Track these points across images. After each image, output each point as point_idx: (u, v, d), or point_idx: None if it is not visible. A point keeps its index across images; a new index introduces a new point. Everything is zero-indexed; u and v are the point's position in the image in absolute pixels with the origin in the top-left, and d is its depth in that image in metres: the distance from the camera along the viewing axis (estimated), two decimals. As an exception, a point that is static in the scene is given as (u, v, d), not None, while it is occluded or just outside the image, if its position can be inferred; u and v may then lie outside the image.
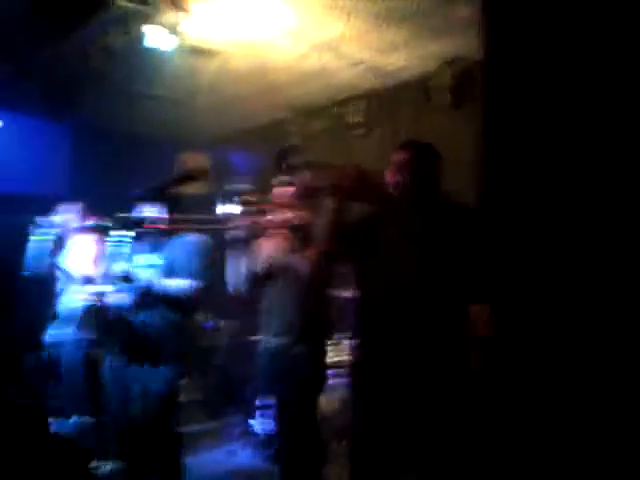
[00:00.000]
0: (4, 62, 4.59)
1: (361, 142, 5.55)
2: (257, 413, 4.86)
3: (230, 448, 4.91)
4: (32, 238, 4.39)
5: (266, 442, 4.68)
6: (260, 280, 3.45)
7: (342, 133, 5.65)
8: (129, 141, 6.30)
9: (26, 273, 4.30)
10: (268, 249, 3.47)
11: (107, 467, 3.88)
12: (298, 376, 3.28)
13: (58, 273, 4.32)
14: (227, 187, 3.19)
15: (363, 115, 5.48)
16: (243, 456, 4.81)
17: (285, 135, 6.04)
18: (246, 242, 3.32)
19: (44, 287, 4.45)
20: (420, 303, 2.52)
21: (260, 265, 3.46)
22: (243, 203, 3.18)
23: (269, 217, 3.30)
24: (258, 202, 3.28)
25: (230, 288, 3.42)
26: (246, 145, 6.53)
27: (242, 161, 6.49)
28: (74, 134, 6.42)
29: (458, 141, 4.57)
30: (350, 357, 3.57)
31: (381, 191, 2.66)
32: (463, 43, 4.29)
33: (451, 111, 4.77)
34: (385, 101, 5.38)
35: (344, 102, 5.58)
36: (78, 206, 4.59)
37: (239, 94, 5.47)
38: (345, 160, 5.63)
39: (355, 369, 2.84)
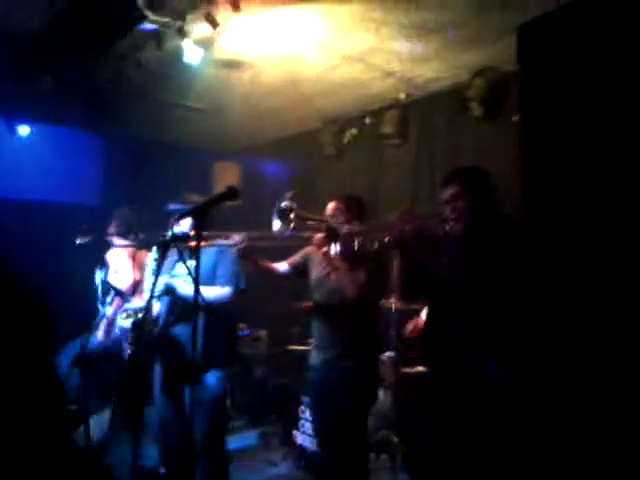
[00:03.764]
0: (43, 74, 4.69)
1: (395, 152, 5.52)
2: (299, 424, 4.88)
3: (270, 458, 4.95)
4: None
5: (307, 455, 4.69)
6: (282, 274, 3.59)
7: (375, 143, 5.63)
8: (161, 151, 6.38)
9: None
10: (310, 260, 3.58)
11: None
12: (342, 393, 3.29)
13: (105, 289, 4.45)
14: (280, 203, 3.18)
15: (396, 125, 5.44)
16: (283, 467, 4.83)
17: (318, 144, 6.05)
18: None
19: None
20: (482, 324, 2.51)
21: (290, 263, 3.61)
22: (298, 218, 3.18)
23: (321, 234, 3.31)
24: (312, 218, 3.30)
25: None
26: (278, 154, 6.56)
27: (274, 170, 6.53)
28: (107, 144, 6.55)
29: (493, 153, 4.54)
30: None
31: (437, 235, 2.68)
32: (494, 53, 4.25)
33: (485, 122, 4.71)
34: (418, 112, 5.35)
35: (377, 112, 5.56)
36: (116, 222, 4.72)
37: (271, 105, 5.51)
38: (378, 170, 5.65)
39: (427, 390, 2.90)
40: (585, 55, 2.26)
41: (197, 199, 3.50)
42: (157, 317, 3.66)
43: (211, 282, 3.48)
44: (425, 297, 2.90)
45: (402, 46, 4.27)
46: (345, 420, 3.27)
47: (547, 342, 2.36)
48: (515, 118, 4.20)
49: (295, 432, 4.89)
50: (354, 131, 5.81)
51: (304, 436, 4.77)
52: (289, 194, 3.19)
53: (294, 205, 3.16)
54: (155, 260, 3.52)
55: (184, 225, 3.43)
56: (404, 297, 2.94)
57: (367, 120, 5.64)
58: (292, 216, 3.14)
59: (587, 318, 2.22)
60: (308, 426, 4.69)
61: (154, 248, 3.63)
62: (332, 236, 3.25)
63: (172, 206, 3.54)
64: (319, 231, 3.29)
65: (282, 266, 3.63)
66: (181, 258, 3.49)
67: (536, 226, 2.46)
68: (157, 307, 3.66)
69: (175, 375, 3.53)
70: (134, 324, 3.98)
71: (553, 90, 2.43)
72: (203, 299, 3.30)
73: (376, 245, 2.98)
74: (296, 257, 3.65)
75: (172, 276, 3.58)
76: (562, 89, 2.40)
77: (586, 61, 2.26)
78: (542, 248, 2.41)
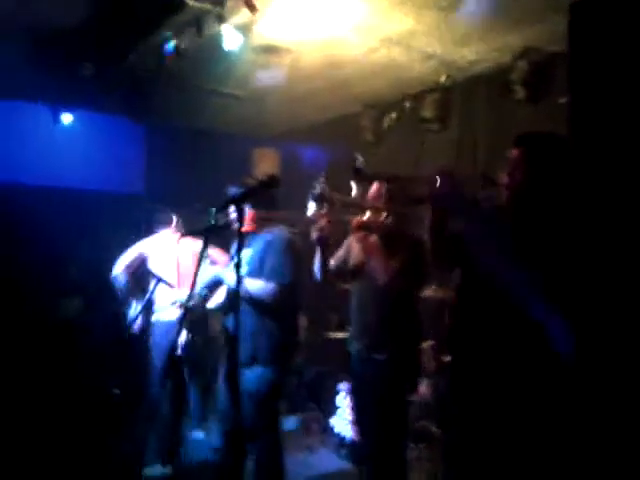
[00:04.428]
0: (85, 61, 4.75)
1: (436, 137, 5.43)
2: (338, 412, 4.89)
3: (309, 444, 4.97)
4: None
5: (346, 442, 4.70)
6: (332, 278, 3.48)
7: (415, 127, 5.55)
8: (203, 138, 6.43)
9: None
10: (350, 248, 3.50)
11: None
12: (377, 385, 3.25)
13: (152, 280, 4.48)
14: (314, 186, 3.10)
15: (437, 109, 5.35)
16: (322, 453, 4.85)
17: (357, 129, 6.00)
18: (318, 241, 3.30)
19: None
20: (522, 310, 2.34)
21: (334, 262, 3.50)
22: (331, 201, 3.11)
23: (359, 217, 3.26)
24: (347, 201, 3.22)
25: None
26: (317, 139, 6.52)
27: (312, 155, 6.50)
28: (149, 132, 6.61)
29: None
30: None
31: (475, 202, 2.50)
32: (537, 34, 4.14)
33: (528, 105, 4.60)
34: (460, 95, 5.25)
35: (417, 96, 5.47)
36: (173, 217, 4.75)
37: (310, 89, 5.47)
38: (419, 155, 5.57)
39: (452, 373, 2.80)
40: (636, 35, 2.18)
41: (255, 183, 3.48)
42: (221, 306, 3.69)
43: (258, 273, 3.44)
44: (456, 266, 2.67)
45: (442, 28, 4.19)
46: (381, 413, 3.23)
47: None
48: (562, 100, 4.08)
49: (334, 419, 4.90)
50: (394, 115, 5.73)
51: (343, 424, 4.77)
52: (322, 177, 3.14)
53: (327, 189, 3.11)
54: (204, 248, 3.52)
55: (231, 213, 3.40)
56: (435, 263, 2.73)
57: (407, 104, 5.56)
58: (327, 199, 3.09)
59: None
60: (347, 414, 4.69)
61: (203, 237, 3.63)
62: (367, 227, 3.22)
63: (232, 189, 3.50)
64: (356, 214, 3.25)
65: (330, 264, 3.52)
66: (233, 245, 3.52)
67: (585, 214, 2.38)
68: (221, 296, 3.67)
69: (230, 364, 3.55)
70: (186, 311, 4.01)
71: (604, 71, 2.35)
72: (247, 292, 3.31)
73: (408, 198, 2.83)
74: (339, 252, 3.57)
75: (224, 267, 3.59)
76: (613, 70, 2.32)
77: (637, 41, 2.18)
78: (591, 238, 2.34)
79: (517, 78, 4.53)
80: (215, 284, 3.59)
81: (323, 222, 3.18)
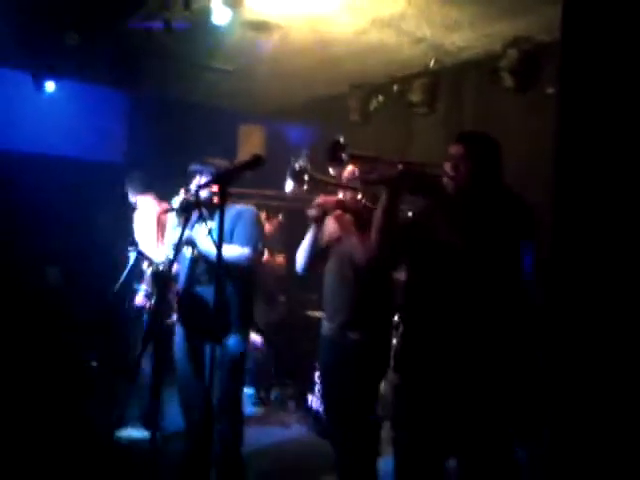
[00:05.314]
0: (73, 31, 4.67)
1: (423, 121, 5.43)
2: (314, 389, 4.91)
3: (283, 420, 5.01)
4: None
5: (320, 419, 4.73)
6: (316, 260, 3.42)
7: (403, 111, 5.54)
8: (187, 111, 6.36)
9: None
10: (328, 229, 3.43)
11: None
12: (350, 365, 3.21)
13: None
14: (294, 163, 3.06)
15: (425, 93, 5.35)
16: (294, 429, 4.89)
17: (344, 110, 5.97)
18: (315, 220, 3.28)
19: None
20: (472, 295, 2.47)
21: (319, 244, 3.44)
22: (310, 179, 3.05)
23: (336, 196, 3.22)
24: (326, 181, 3.17)
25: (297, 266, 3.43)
26: (303, 118, 6.48)
27: (298, 134, 6.47)
28: (132, 103, 6.56)
29: (523, 124, 4.46)
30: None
31: (433, 185, 2.59)
32: (528, 24, 4.14)
33: (516, 93, 4.61)
34: (448, 80, 5.24)
35: (405, 79, 5.45)
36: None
37: (299, 67, 5.41)
38: (405, 139, 5.56)
39: (401, 356, 2.84)
40: (630, 31, 2.19)
41: (220, 162, 3.50)
42: (177, 275, 3.67)
43: (228, 242, 3.43)
44: (405, 257, 2.77)
45: (434, 12, 4.16)
46: (352, 394, 3.21)
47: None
48: (550, 90, 4.10)
49: (310, 396, 4.95)
50: (381, 98, 5.72)
51: (318, 400, 4.82)
52: (304, 154, 3.10)
53: (308, 166, 3.06)
54: (178, 218, 3.51)
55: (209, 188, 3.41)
56: (380, 251, 2.78)
57: (395, 87, 5.54)
58: (306, 177, 3.04)
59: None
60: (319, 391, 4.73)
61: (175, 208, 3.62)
62: (346, 206, 3.20)
63: (194, 167, 3.53)
64: (334, 193, 3.21)
65: None
66: (202, 219, 3.51)
67: (568, 207, 2.41)
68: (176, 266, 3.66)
69: (195, 336, 3.55)
70: (154, 275, 3.99)
71: (595, 65, 2.37)
72: (224, 259, 3.31)
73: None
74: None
75: (195, 233, 3.58)
76: (604, 64, 2.34)
77: (631, 38, 2.19)
78: (571, 230, 2.37)
79: (506, 66, 4.54)
80: (185, 245, 3.56)
81: (326, 200, 3.17)
